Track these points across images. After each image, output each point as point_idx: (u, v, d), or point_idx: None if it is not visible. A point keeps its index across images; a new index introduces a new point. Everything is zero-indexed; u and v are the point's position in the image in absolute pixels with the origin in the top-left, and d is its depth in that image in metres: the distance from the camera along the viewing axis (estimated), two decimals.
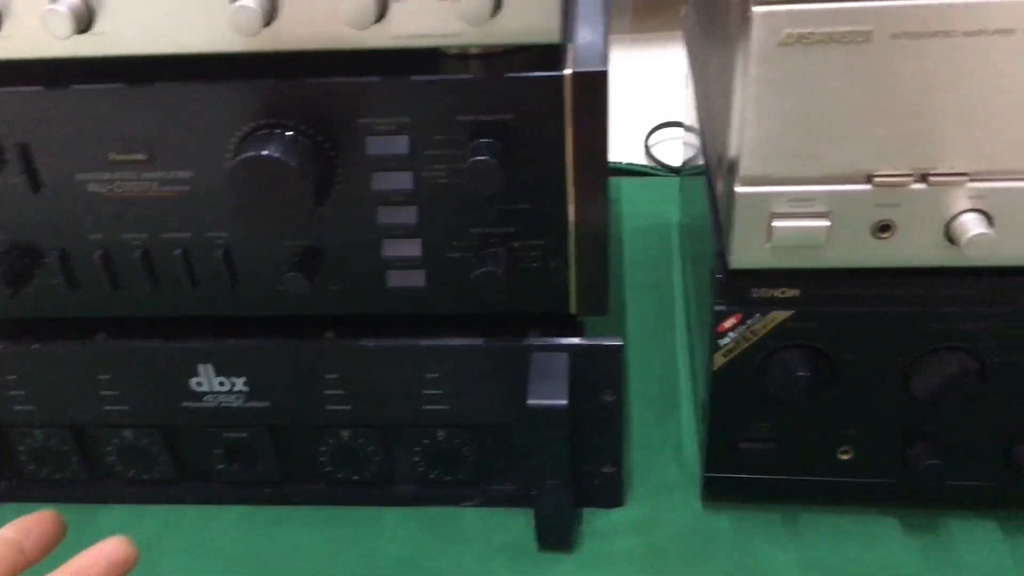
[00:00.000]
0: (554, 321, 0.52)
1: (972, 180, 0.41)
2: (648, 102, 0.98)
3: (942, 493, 0.52)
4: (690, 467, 0.59)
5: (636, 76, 1.01)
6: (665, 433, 0.62)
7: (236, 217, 0.46)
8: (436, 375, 0.52)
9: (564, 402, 0.48)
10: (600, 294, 0.49)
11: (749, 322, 0.48)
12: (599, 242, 0.47)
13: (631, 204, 0.84)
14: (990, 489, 0.52)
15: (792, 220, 0.42)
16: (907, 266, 0.44)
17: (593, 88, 0.43)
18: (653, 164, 0.91)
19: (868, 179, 0.41)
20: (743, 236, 0.43)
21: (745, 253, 0.44)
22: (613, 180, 0.71)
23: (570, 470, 0.51)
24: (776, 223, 0.42)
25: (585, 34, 0.47)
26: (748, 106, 0.40)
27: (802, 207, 0.42)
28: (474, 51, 0.44)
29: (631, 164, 0.89)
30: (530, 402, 0.48)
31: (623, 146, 0.92)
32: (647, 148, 0.93)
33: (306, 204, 0.43)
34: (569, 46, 0.45)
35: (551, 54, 0.44)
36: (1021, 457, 0.50)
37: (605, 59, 0.43)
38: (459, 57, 0.45)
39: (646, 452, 0.61)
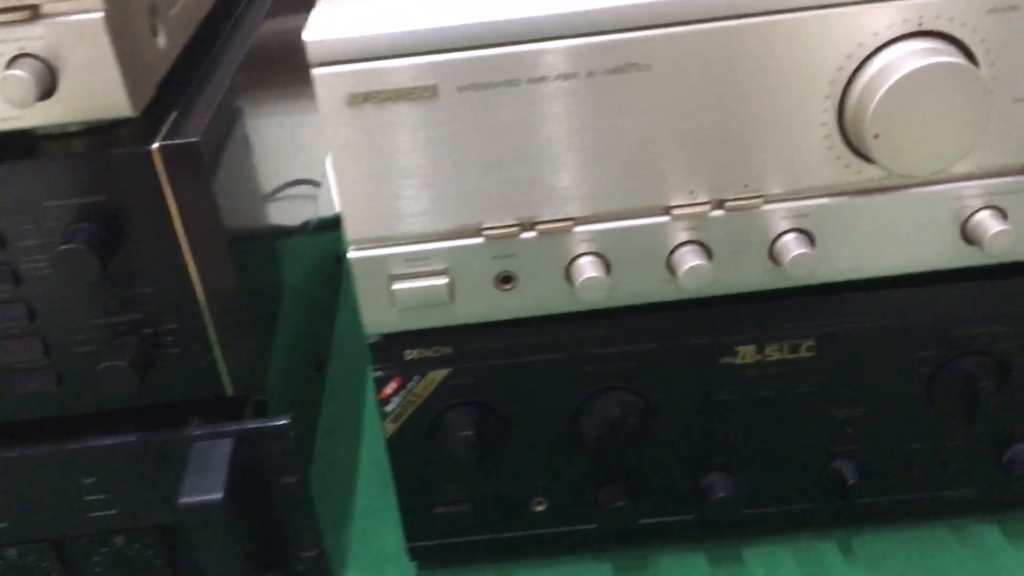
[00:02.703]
0: (221, 405, 0.49)
1: (580, 224, 0.41)
2: None
3: (637, 532, 0.52)
4: None
5: None
6: (387, 501, 0.59)
7: None
8: (94, 479, 0.48)
9: (219, 496, 0.45)
10: (255, 371, 0.47)
11: (409, 385, 0.46)
12: (240, 316, 0.45)
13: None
14: (683, 524, 0.51)
15: (411, 281, 0.41)
16: (537, 315, 0.43)
17: (187, 159, 0.40)
18: None
19: (479, 232, 0.40)
20: (368, 301, 0.42)
21: (375, 318, 0.42)
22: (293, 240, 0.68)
23: (242, 566, 0.47)
24: (396, 285, 0.41)
25: (200, 102, 0.44)
26: (335, 169, 0.38)
27: (419, 267, 0.41)
28: (74, 129, 0.41)
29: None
30: (181, 500, 0.45)
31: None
32: None
33: None
34: (172, 115, 0.42)
35: (153, 126, 0.41)
36: (707, 488, 0.50)
37: (199, 129, 0.41)
38: (57, 137, 0.42)
39: (368, 522, 0.58)
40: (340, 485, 0.61)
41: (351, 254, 0.40)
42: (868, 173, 0.40)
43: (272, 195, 0.57)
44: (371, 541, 0.56)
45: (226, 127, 0.47)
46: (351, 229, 0.40)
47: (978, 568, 0.51)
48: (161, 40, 0.43)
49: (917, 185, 0.41)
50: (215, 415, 0.48)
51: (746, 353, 0.47)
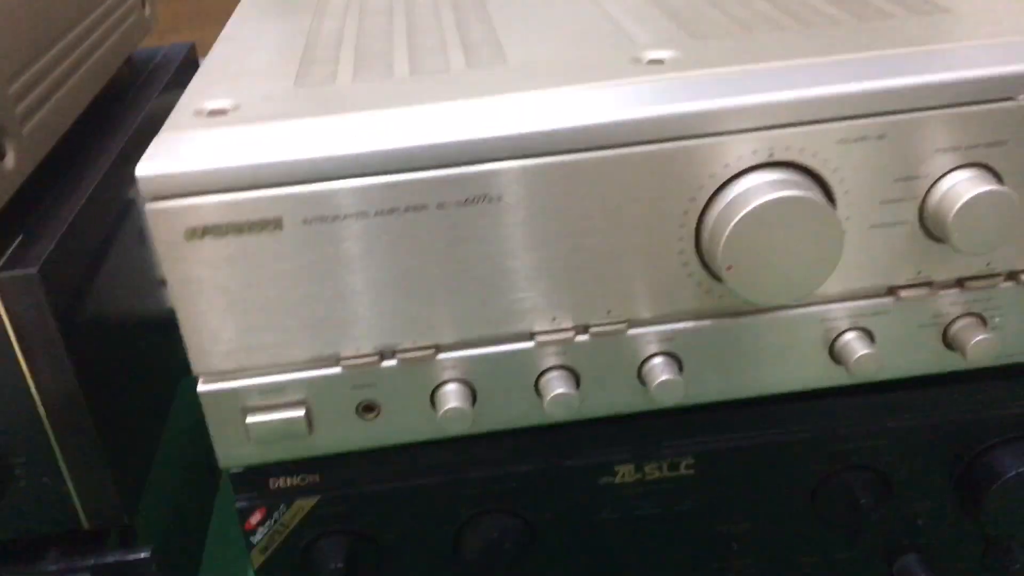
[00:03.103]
0: (82, 536, 0.46)
1: (444, 352, 0.40)
2: None
3: None
4: None
5: None
6: None
7: None
8: None
9: None
10: (112, 504, 0.44)
11: (276, 515, 0.44)
12: (95, 449, 0.42)
13: None
14: None
15: (267, 413, 0.39)
16: (404, 442, 0.42)
17: (26, 291, 0.38)
18: None
19: (337, 362, 0.39)
20: (221, 435, 0.40)
21: (229, 451, 0.40)
22: None
23: None
24: (250, 419, 0.39)
25: (54, 224, 0.43)
26: (176, 304, 0.37)
27: (274, 398, 0.39)
28: None
29: None
30: None
31: None
32: None
33: None
34: (16, 241, 0.41)
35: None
36: None
37: (40, 257, 0.39)
38: None
39: None
40: None
41: (200, 388, 0.39)
42: (730, 298, 0.39)
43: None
44: None
45: (95, 241, 0.45)
46: (197, 363, 0.38)
47: None
48: (9, 161, 0.41)
49: (782, 308, 0.41)
50: (75, 547, 0.46)
51: (625, 472, 0.46)
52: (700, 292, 0.39)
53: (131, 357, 0.51)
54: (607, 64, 0.41)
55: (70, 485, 0.43)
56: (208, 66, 0.45)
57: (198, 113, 0.38)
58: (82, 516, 0.44)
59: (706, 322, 0.41)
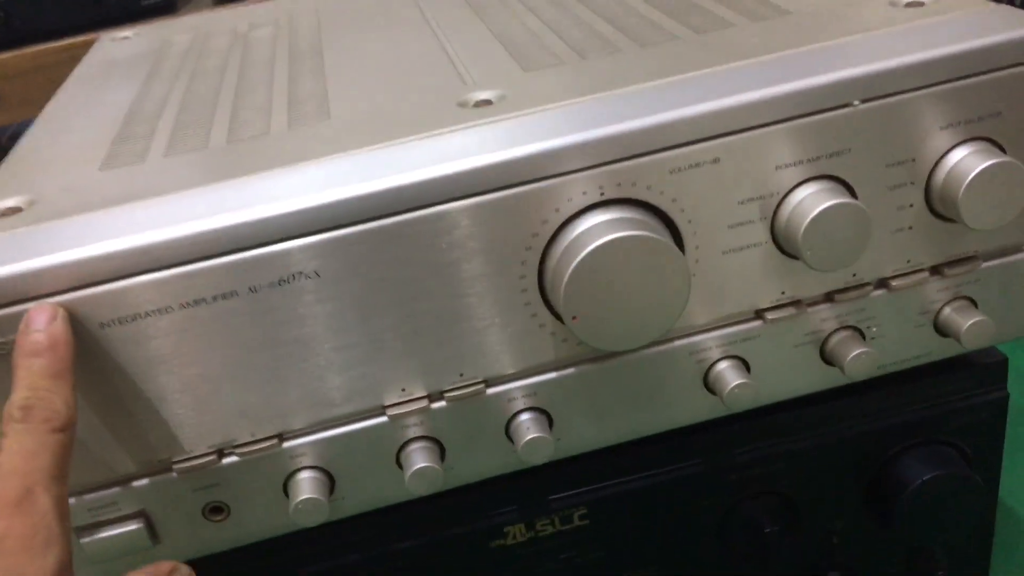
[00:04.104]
0: None
1: (290, 439, 0.37)
2: None
3: None
4: None
5: None
6: None
7: None
8: None
9: None
10: None
11: None
12: None
13: None
14: None
15: (101, 531, 0.36)
16: (262, 539, 0.39)
17: None
18: None
19: (170, 467, 0.36)
20: None
21: None
22: None
23: None
24: (85, 539, 0.36)
25: None
26: None
27: (107, 513, 0.36)
28: None
29: None
30: None
31: None
32: None
33: None
34: None
35: None
36: None
37: None
38: None
39: None
40: None
41: None
42: (585, 345, 0.37)
43: None
44: None
45: None
46: None
47: None
48: None
49: (649, 346, 0.38)
50: None
51: (516, 532, 0.43)
52: (556, 341, 0.37)
53: None
54: (432, 111, 0.38)
55: None
56: (12, 157, 0.41)
57: None
58: None
59: (569, 371, 0.38)
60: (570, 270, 0.33)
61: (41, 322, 0.32)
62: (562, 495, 0.42)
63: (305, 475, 0.37)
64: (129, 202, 0.34)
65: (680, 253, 0.34)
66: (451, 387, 0.37)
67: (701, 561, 0.45)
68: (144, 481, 0.36)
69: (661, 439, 0.42)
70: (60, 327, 0.32)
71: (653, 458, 0.43)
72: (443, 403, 0.37)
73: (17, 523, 0.29)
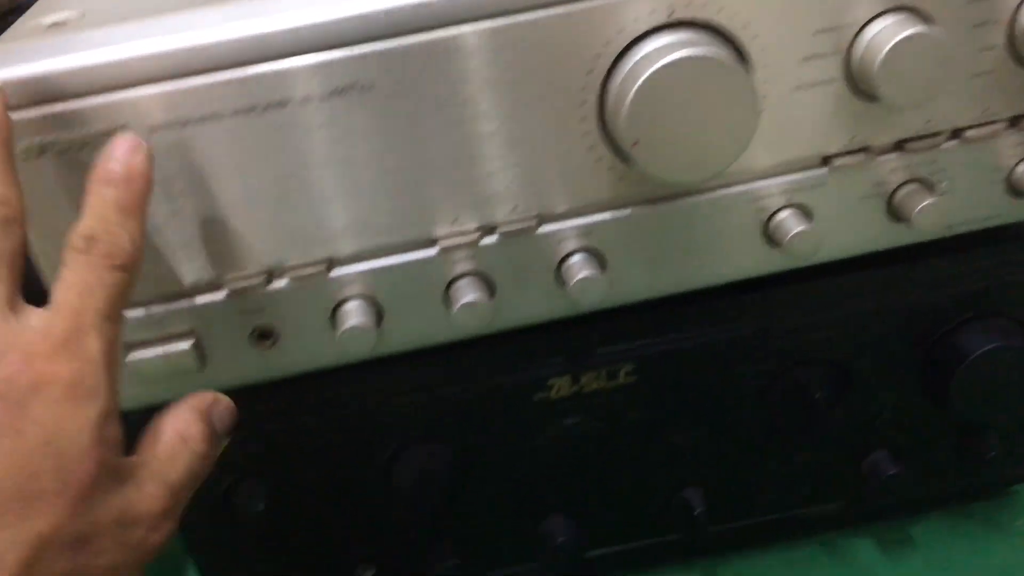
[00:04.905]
0: None
1: (338, 267, 0.36)
2: None
3: None
4: None
5: None
6: None
7: None
8: None
9: None
10: None
11: None
12: None
13: None
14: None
15: (149, 348, 0.36)
16: (308, 370, 0.38)
17: None
18: None
19: (220, 286, 0.36)
20: None
21: None
22: None
23: None
24: (132, 356, 0.36)
25: None
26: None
27: (156, 331, 0.36)
28: None
29: None
30: None
31: None
32: None
33: None
34: None
35: None
36: (546, 534, 0.46)
37: None
38: None
39: None
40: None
41: None
42: (649, 184, 0.36)
43: None
44: None
45: None
46: None
47: None
48: None
49: (708, 190, 0.37)
50: None
51: (560, 385, 0.42)
52: (613, 179, 0.36)
53: None
54: None
55: None
56: None
57: (36, 28, 0.35)
58: None
59: (625, 211, 0.37)
60: (634, 89, 0.32)
61: (121, 151, 0.30)
62: (610, 348, 0.42)
63: (353, 304, 0.37)
64: (188, 9, 0.33)
65: (750, 80, 0.32)
66: (504, 221, 0.36)
67: (747, 427, 0.45)
68: (193, 300, 0.36)
69: (715, 296, 0.41)
70: (140, 160, 0.30)
71: (706, 316, 0.42)
72: (494, 238, 0.36)
73: (63, 367, 0.28)
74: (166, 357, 0.36)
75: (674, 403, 0.44)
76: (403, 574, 0.46)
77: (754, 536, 0.49)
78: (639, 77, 0.32)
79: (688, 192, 0.37)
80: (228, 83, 0.31)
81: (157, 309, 0.36)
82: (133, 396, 0.37)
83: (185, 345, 0.36)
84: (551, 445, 0.43)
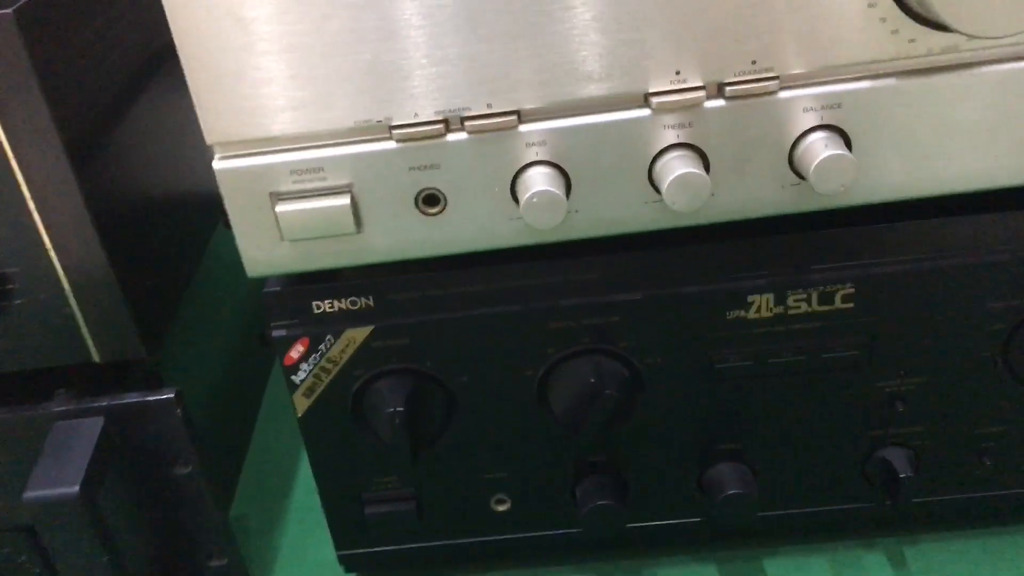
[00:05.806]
0: (96, 374, 0.39)
1: (528, 122, 0.30)
2: None
3: (627, 537, 0.41)
4: None
5: None
6: None
7: None
8: None
9: (74, 490, 0.35)
10: (126, 334, 0.37)
11: (321, 348, 0.36)
12: (96, 263, 0.35)
13: None
14: (684, 528, 0.40)
15: (301, 201, 0.30)
16: (478, 249, 0.32)
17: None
18: None
19: (389, 132, 0.30)
20: (245, 230, 0.31)
21: (257, 254, 0.31)
22: None
23: (111, 571, 0.37)
24: (281, 207, 0.30)
25: None
26: (180, 46, 0.28)
27: (310, 181, 0.30)
28: None
29: None
30: (27, 495, 0.35)
31: None
32: None
33: None
34: None
35: None
36: (714, 483, 0.39)
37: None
38: None
39: (302, 527, 0.48)
40: (278, 479, 0.51)
41: (215, 164, 0.30)
42: (926, 43, 0.28)
43: None
44: (307, 548, 0.46)
45: None
46: (208, 129, 0.29)
47: None
48: None
49: (996, 62, 0.29)
50: (88, 386, 0.39)
51: (761, 304, 0.35)
52: (883, 33, 0.28)
53: (151, 178, 0.43)
54: None
55: (74, 306, 0.36)
56: None
57: None
58: (92, 347, 0.37)
59: (887, 80, 0.30)
60: None
61: None
62: (828, 264, 0.35)
63: (540, 169, 0.30)
64: None
65: None
66: (737, 79, 0.29)
67: (977, 380, 0.37)
68: (356, 147, 0.30)
69: (963, 210, 0.34)
70: None
71: (949, 235, 0.34)
72: (721, 102, 0.30)
73: None
74: (320, 212, 0.30)
75: (895, 340, 0.36)
76: (540, 510, 0.40)
77: (955, 515, 0.41)
78: None
79: (970, 62, 0.29)
80: None
81: (314, 155, 0.30)
82: (279, 260, 0.31)
83: (341, 201, 0.30)
84: (738, 375, 0.37)
